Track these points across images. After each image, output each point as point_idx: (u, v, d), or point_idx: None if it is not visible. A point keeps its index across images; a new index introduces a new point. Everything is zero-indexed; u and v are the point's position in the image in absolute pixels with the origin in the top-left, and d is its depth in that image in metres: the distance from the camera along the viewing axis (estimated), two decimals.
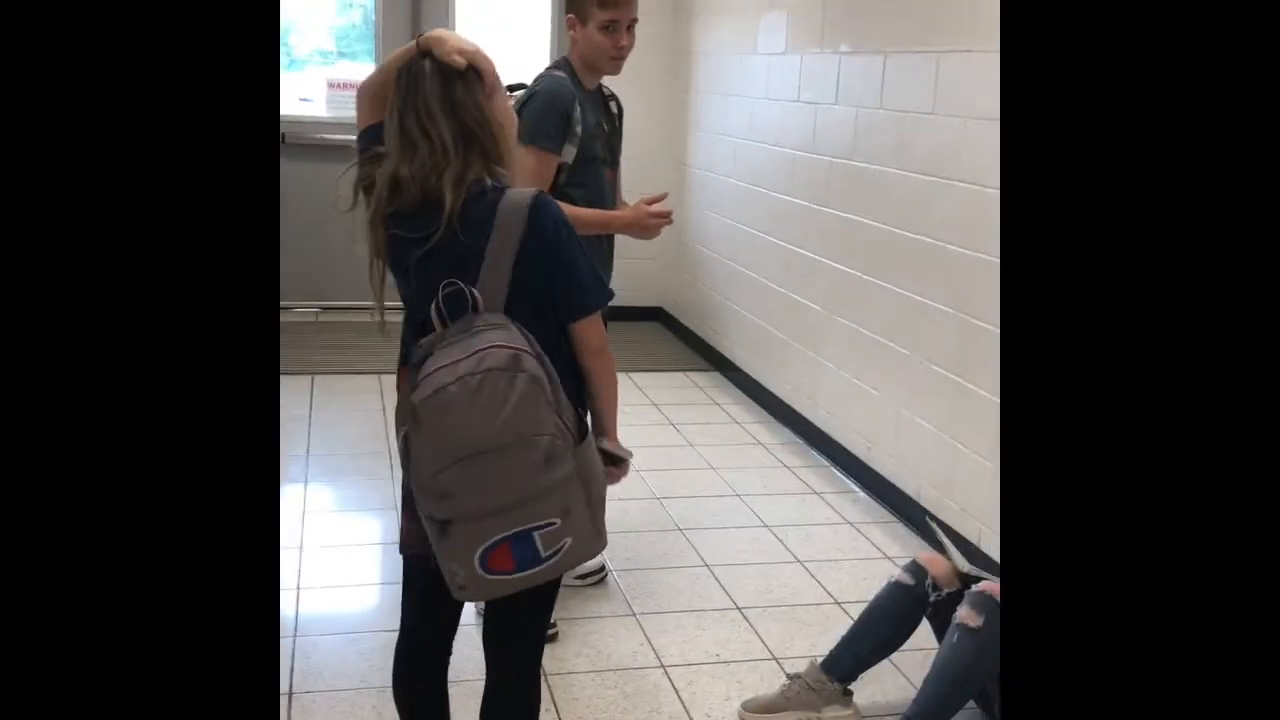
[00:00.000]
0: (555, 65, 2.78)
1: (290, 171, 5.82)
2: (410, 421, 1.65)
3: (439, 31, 1.76)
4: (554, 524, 1.65)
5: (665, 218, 2.78)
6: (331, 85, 6.03)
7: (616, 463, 1.86)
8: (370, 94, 1.82)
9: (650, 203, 2.78)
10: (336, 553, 3.25)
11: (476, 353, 1.62)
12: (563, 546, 1.67)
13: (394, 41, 5.91)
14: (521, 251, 1.70)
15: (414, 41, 1.77)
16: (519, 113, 2.55)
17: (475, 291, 1.68)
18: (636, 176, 6.13)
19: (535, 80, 2.69)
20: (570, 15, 2.72)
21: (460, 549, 1.66)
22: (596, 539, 1.75)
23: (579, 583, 3.06)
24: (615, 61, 2.73)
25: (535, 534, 1.65)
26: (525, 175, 2.26)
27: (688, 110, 5.78)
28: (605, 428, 1.87)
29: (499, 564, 1.66)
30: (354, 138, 1.80)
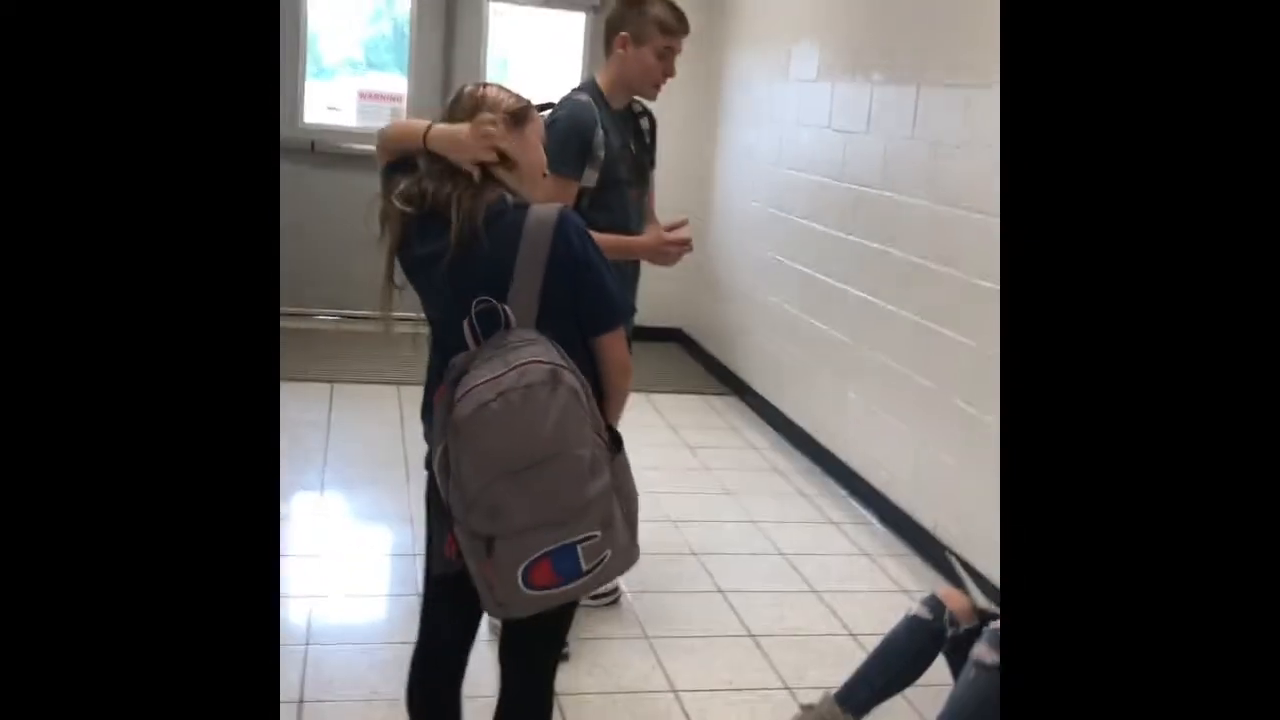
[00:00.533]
0: (580, 88, 2.77)
1: (318, 180, 5.87)
2: (452, 438, 1.63)
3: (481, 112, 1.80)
4: (595, 536, 1.65)
5: (684, 245, 2.76)
6: (363, 96, 6.07)
7: None
8: (388, 146, 1.87)
9: (670, 229, 2.77)
10: (351, 562, 3.24)
11: (516, 368, 1.62)
12: (604, 559, 1.67)
13: (426, 53, 5.95)
14: (550, 265, 1.71)
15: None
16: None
17: (507, 308, 1.69)
18: (663, 199, 6.15)
19: (559, 103, 2.68)
20: (624, 34, 2.70)
21: (505, 564, 1.64)
22: (633, 551, 1.76)
23: (593, 603, 3.04)
24: (658, 88, 2.75)
25: (578, 547, 1.65)
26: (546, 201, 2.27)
27: (717, 135, 5.79)
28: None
29: (540, 579, 1.65)
30: None
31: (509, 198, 1.77)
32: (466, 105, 1.82)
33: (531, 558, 1.63)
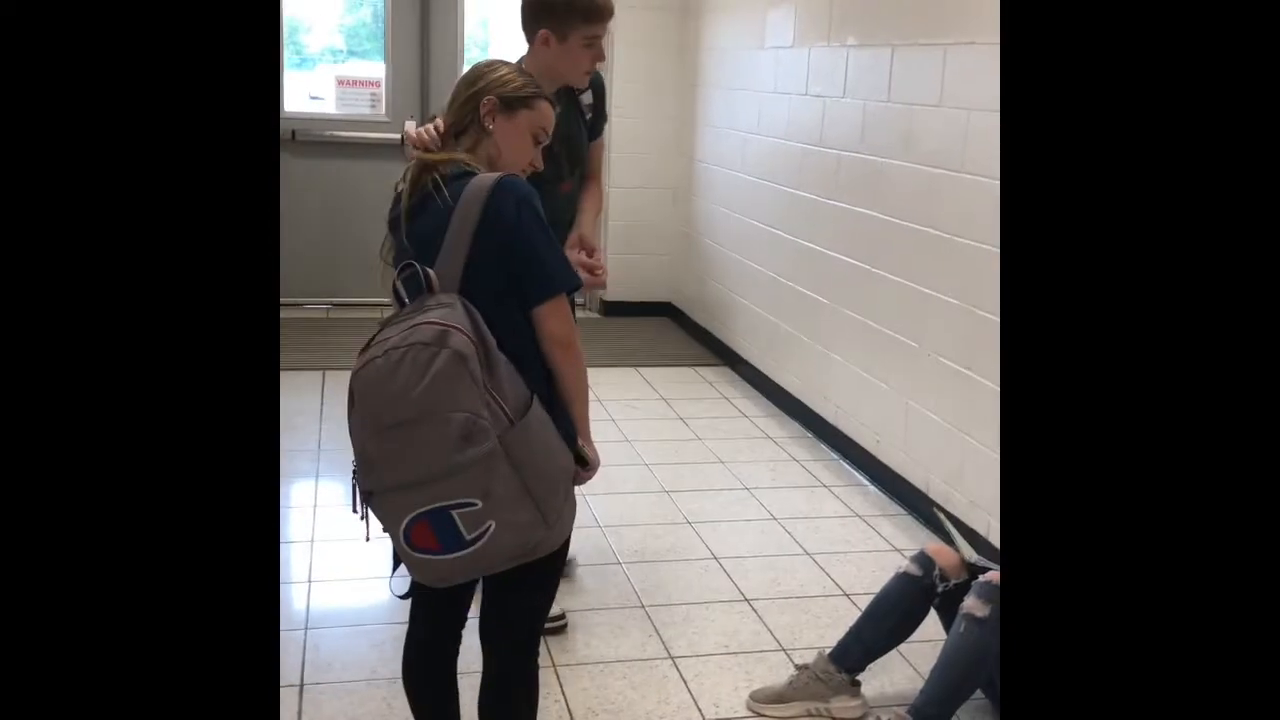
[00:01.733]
0: None
1: (299, 168, 5.86)
2: (350, 394, 1.68)
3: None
4: (474, 505, 1.62)
5: (592, 273, 2.50)
6: (341, 82, 6.05)
7: (584, 463, 1.82)
8: None
9: (586, 252, 2.58)
10: (347, 546, 3.27)
11: (411, 329, 1.63)
12: (487, 530, 1.64)
13: (403, 39, 5.93)
14: (478, 231, 1.70)
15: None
16: None
17: (429, 271, 1.70)
18: (647, 169, 6.17)
19: None
20: (545, 31, 2.50)
21: (386, 522, 1.69)
22: (538, 529, 1.69)
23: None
24: (589, 74, 2.61)
25: (454, 513, 1.63)
26: None
27: (695, 105, 5.78)
28: (576, 425, 1.82)
29: (423, 542, 1.66)
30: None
31: (467, 166, 1.79)
32: (467, 78, 1.87)
33: (407, 518, 1.65)
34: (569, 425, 1.80)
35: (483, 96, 1.82)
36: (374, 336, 1.69)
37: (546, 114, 1.88)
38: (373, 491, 1.68)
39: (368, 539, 1.73)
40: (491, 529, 1.64)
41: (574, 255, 2.47)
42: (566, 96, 2.62)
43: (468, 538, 1.64)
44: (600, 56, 2.57)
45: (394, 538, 1.70)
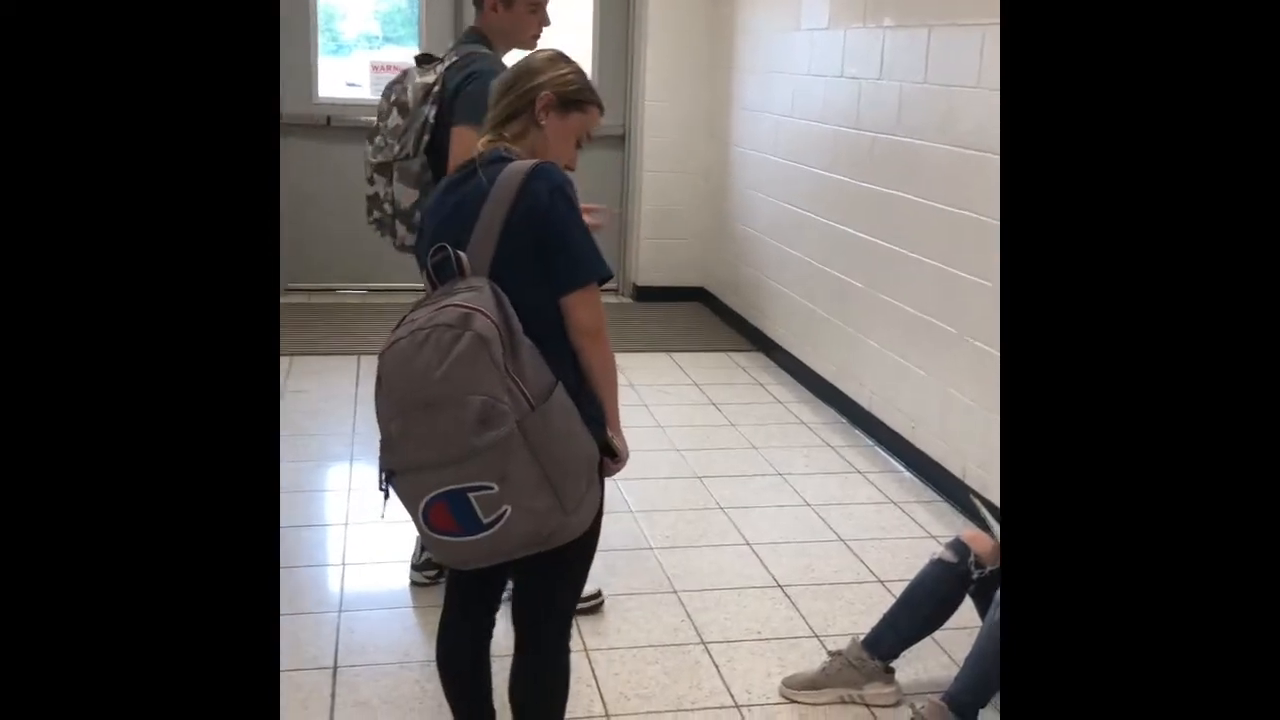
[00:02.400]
0: (471, 40, 2.68)
1: (334, 154, 5.89)
2: (378, 373, 1.69)
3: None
4: (490, 489, 1.62)
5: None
6: (376, 68, 6.06)
7: (613, 454, 1.82)
8: None
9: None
10: (381, 529, 3.28)
11: (437, 311, 1.64)
12: (503, 514, 1.64)
13: (438, 24, 5.93)
14: (510, 216, 1.70)
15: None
16: (458, 92, 2.51)
17: (461, 255, 1.70)
18: (680, 153, 6.14)
19: (466, 59, 2.60)
20: None
21: (405, 500, 1.70)
22: (555, 515, 1.68)
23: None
24: (536, 39, 2.66)
25: (470, 496, 1.63)
26: (456, 155, 2.23)
27: (729, 88, 5.74)
28: (606, 415, 1.81)
29: (441, 523, 1.67)
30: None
31: (505, 150, 1.78)
32: (527, 68, 1.84)
33: (425, 498, 1.65)
34: (600, 413, 1.79)
35: (541, 90, 1.80)
36: (405, 317, 1.70)
37: (595, 119, 1.88)
38: (394, 470, 1.69)
39: (382, 516, 1.75)
40: (508, 513, 1.64)
41: None
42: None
43: (484, 521, 1.64)
44: (546, 21, 2.66)
45: (413, 517, 1.71)
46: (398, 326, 1.69)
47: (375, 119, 2.72)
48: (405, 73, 2.70)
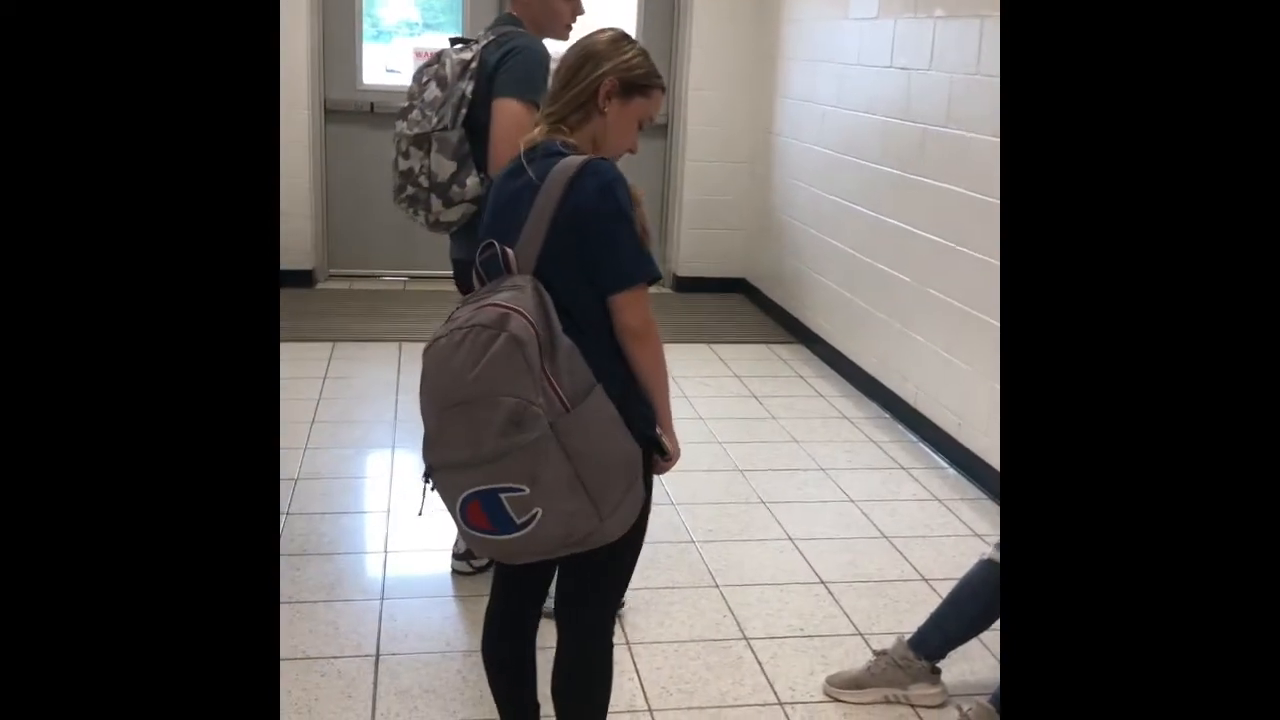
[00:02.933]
0: (506, 22, 2.64)
1: (376, 141, 5.89)
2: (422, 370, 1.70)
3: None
4: (521, 490, 1.61)
5: None
6: (417, 55, 6.06)
7: (663, 453, 1.79)
8: None
9: None
10: (423, 517, 3.28)
11: (477, 309, 1.63)
12: (534, 516, 1.63)
13: (480, 10, 5.92)
14: (558, 213, 1.67)
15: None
16: (498, 67, 2.49)
17: (508, 251, 1.69)
18: (723, 143, 6.10)
19: (508, 36, 2.57)
20: None
21: (444, 498, 1.70)
22: (589, 519, 1.66)
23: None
24: (569, 29, 2.63)
25: (502, 496, 1.62)
26: (518, 129, 2.20)
27: (774, 77, 5.68)
28: (658, 415, 1.79)
29: (477, 521, 1.67)
30: None
31: (561, 144, 1.75)
32: (588, 51, 1.78)
33: (462, 496, 1.65)
34: (650, 410, 1.77)
35: (605, 77, 1.76)
36: (452, 313, 1.69)
37: (659, 102, 1.84)
38: (432, 468, 1.69)
39: (420, 513, 1.76)
40: (539, 515, 1.63)
41: None
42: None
43: (517, 521, 1.64)
44: (579, 10, 2.64)
45: (451, 514, 1.71)
46: (445, 323, 1.69)
47: (406, 99, 2.71)
48: (440, 54, 2.68)
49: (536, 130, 1.80)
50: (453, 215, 2.62)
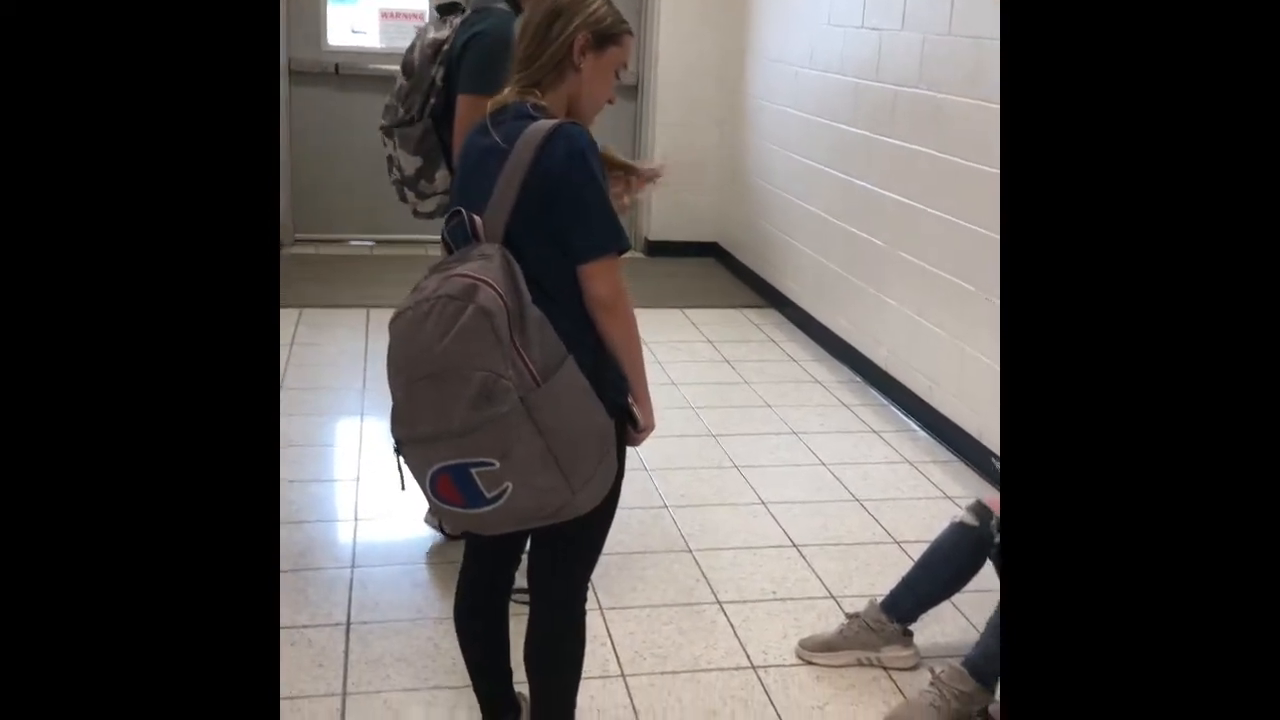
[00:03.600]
0: None
1: (342, 102, 5.80)
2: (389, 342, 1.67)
3: None
4: (491, 465, 1.58)
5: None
6: (384, 15, 5.95)
7: (635, 423, 1.77)
8: None
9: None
10: (392, 484, 3.26)
11: (444, 280, 1.59)
12: (505, 490, 1.60)
13: None
14: (528, 179, 1.63)
15: None
16: (462, 53, 2.40)
17: (476, 219, 1.65)
18: (694, 105, 6.04)
19: (479, 11, 2.46)
20: None
21: (414, 471, 1.67)
22: (560, 493, 1.64)
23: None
24: None
25: (472, 470, 1.59)
26: (461, 126, 2.12)
27: (745, 37, 5.63)
28: (631, 386, 1.76)
29: (447, 494, 1.64)
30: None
31: (532, 107, 1.71)
32: (553, 10, 1.72)
33: (431, 469, 1.63)
34: (623, 379, 1.75)
35: (579, 32, 1.71)
36: (419, 283, 1.65)
37: (629, 47, 1.79)
38: (401, 441, 1.66)
39: (403, 488, 1.72)
40: (510, 490, 1.61)
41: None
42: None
43: (487, 495, 1.61)
44: None
45: (421, 487, 1.68)
46: (411, 293, 1.65)
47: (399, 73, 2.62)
48: (424, 29, 2.60)
49: (507, 91, 1.74)
50: (428, 206, 2.58)
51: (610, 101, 1.80)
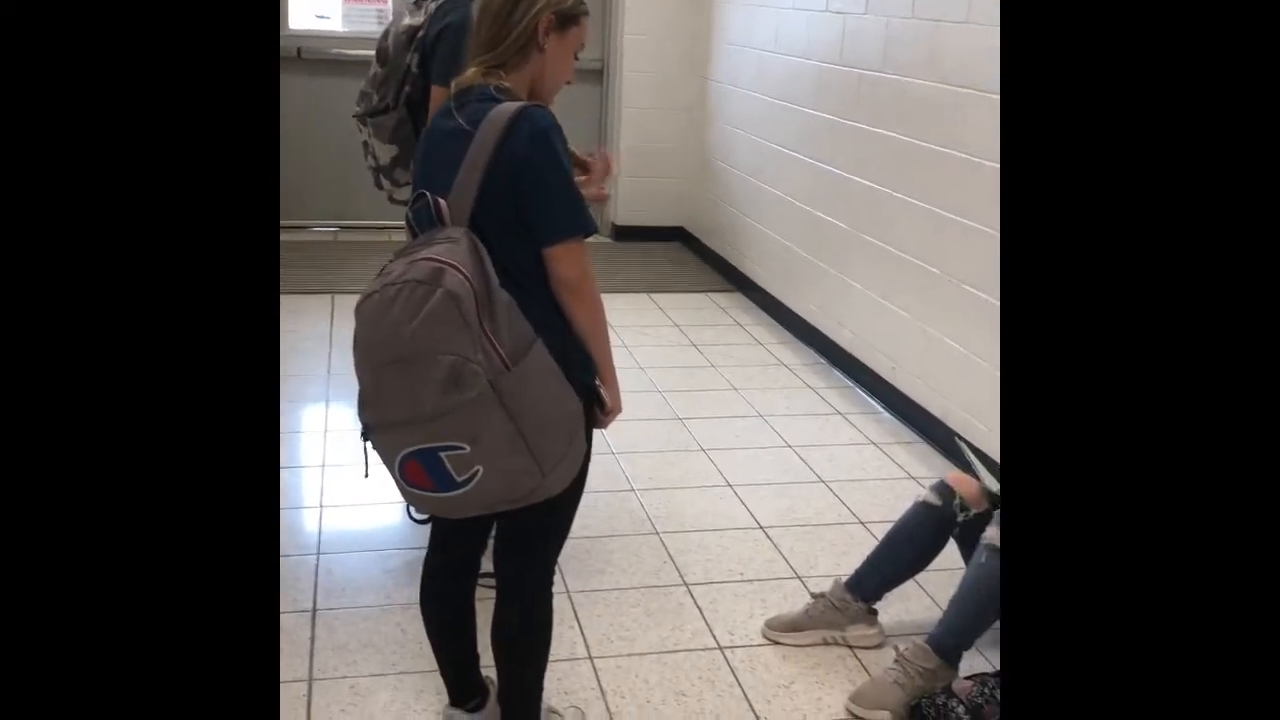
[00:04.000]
0: None
1: (305, 87, 5.74)
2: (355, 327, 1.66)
3: None
4: (461, 449, 1.58)
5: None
6: (348, 0, 5.90)
7: (603, 405, 1.77)
8: None
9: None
10: (357, 470, 3.24)
11: (410, 264, 1.58)
12: (475, 474, 1.60)
13: None
14: (493, 163, 1.62)
15: None
16: (435, 41, 2.38)
17: (440, 202, 1.64)
18: (660, 89, 6.03)
19: (448, 2, 2.43)
20: None
21: (382, 457, 1.67)
22: (531, 476, 1.64)
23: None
24: None
25: (442, 455, 1.59)
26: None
27: (710, 22, 5.62)
28: (599, 369, 1.76)
29: (417, 479, 1.64)
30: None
31: (495, 89, 1.70)
32: None
33: (400, 454, 1.62)
34: (591, 361, 1.75)
35: (542, 14, 1.70)
36: (384, 267, 1.64)
37: (586, 27, 1.80)
38: (369, 426, 1.65)
39: (366, 475, 1.72)
40: (480, 474, 1.61)
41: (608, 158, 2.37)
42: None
43: (458, 480, 1.61)
44: None
45: (390, 472, 1.67)
46: (376, 277, 1.63)
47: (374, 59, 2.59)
48: (399, 14, 2.57)
49: (470, 73, 1.73)
50: (405, 194, 2.56)
51: (569, 82, 1.80)
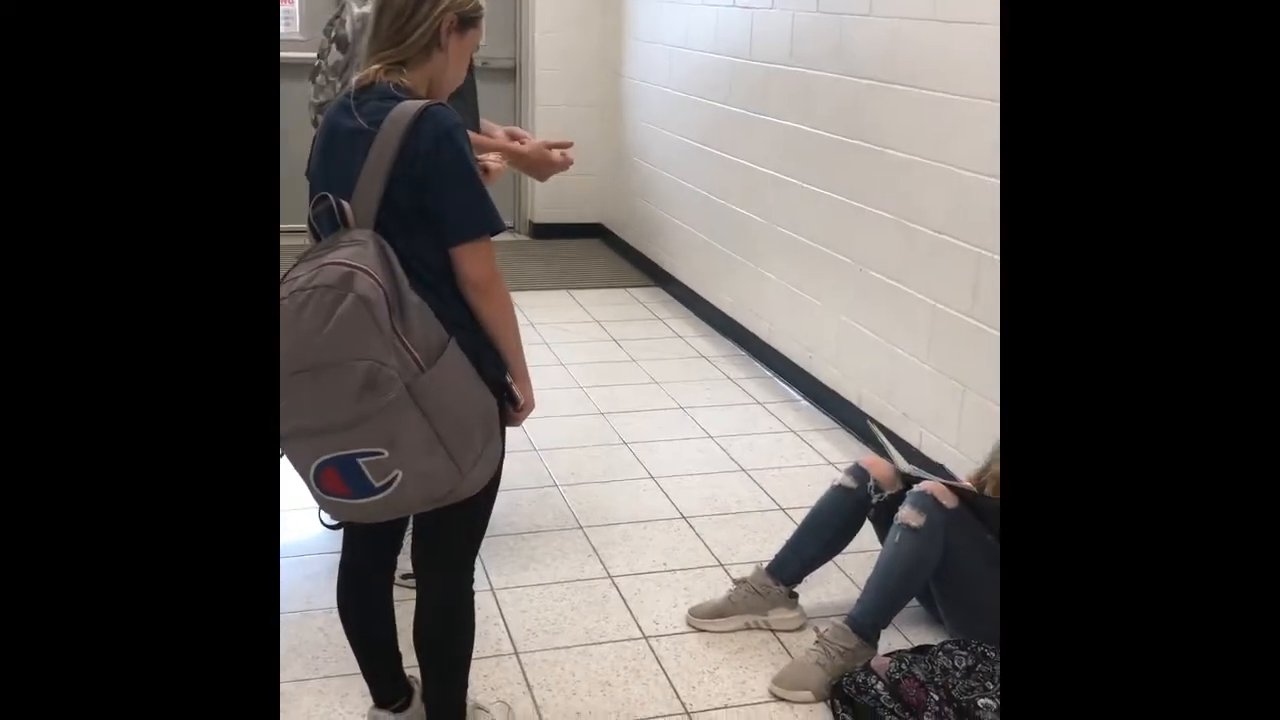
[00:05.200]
0: None
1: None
2: None
3: None
4: (379, 454, 1.57)
5: (567, 163, 2.50)
6: None
7: (515, 402, 1.77)
8: None
9: (554, 147, 2.51)
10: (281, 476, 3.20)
11: (318, 269, 1.55)
12: (394, 479, 1.59)
13: None
14: (397, 162, 1.61)
15: None
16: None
17: (344, 204, 1.62)
18: (573, 86, 6.03)
19: None
20: None
21: (295, 464, 1.64)
22: (450, 476, 1.64)
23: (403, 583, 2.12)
24: None
25: (359, 461, 1.58)
26: None
27: (621, 18, 5.64)
28: (510, 367, 1.76)
29: (333, 486, 1.62)
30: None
31: (396, 87, 1.69)
32: None
33: (315, 462, 1.60)
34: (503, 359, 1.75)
35: (446, 14, 1.70)
36: (287, 272, 1.61)
37: (482, 29, 1.81)
38: (284, 436, 1.61)
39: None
40: (399, 477, 1.60)
41: (545, 144, 2.50)
42: None
43: (376, 485, 1.60)
44: None
45: (304, 480, 1.65)
46: (282, 283, 1.60)
47: (315, 57, 2.57)
48: (342, 5, 2.55)
49: (372, 70, 1.72)
50: None
51: (458, 83, 1.81)
